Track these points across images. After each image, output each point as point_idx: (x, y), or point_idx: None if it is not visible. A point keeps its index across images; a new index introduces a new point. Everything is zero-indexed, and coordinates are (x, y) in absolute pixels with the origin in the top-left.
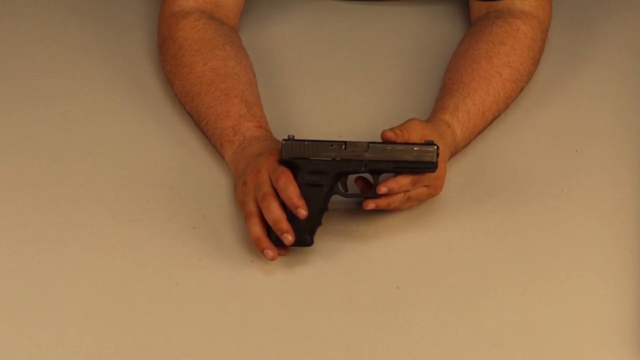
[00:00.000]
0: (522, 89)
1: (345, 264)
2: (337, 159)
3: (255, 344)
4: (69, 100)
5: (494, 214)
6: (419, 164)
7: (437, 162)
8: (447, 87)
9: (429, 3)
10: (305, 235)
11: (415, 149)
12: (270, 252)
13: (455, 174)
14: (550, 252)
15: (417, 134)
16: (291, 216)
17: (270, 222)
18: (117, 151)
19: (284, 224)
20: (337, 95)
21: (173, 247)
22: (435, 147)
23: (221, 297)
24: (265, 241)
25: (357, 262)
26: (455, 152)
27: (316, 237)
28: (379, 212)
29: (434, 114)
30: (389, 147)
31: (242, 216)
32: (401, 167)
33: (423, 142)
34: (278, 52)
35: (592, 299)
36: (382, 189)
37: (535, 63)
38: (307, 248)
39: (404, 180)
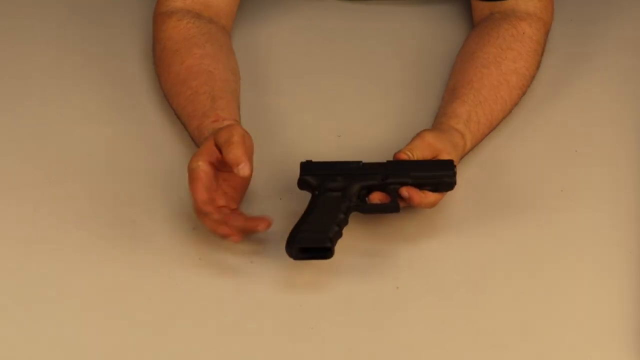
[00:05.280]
0: (524, 94)
1: (345, 264)
2: (355, 173)
3: (255, 344)
4: (69, 100)
5: (493, 214)
6: (437, 177)
7: (455, 179)
8: (457, 91)
9: (429, 3)
10: (326, 240)
11: (432, 164)
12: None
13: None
14: (550, 252)
15: (429, 151)
16: (310, 220)
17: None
18: (117, 151)
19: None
20: (336, 95)
21: (173, 247)
22: (452, 161)
23: (221, 297)
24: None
25: (357, 262)
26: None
27: None
28: (377, 215)
29: (447, 119)
30: (407, 162)
31: None
32: (419, 182)
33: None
34: (277, 52)
35: (592, 299)
36: (404, 193)
37: (539, 66)
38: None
39: (428, 200)
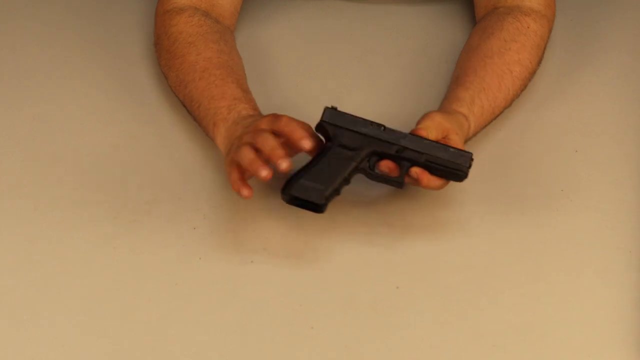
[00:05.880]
0: (525, 87)
1: (346, 264)
2: (373, 136)
3: (255, 344)
4: (69, 100)
5: (494, 214)
6: (451, 164)
7: (468, 171)
8: (460, 79)
9: (429, 2)
10: (321, 196)
11: (451, 150)
12: (265, 171)
13: None
14: (550, 253)
15: (439, 131)
16: (313, 171)
17: (266, 151)
18: (117, 151)
19: (280, 151)
20: (336, 95)
21: (173, 247)
22: (470, 154)
23: (221, 297)
24: (258, 163)
25: (357, 262)
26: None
27: (316, 236)
28: (378, 212)
29: (450, 104)
30: (426, 141)
31: (241, 216)
32: (433, 162)
33: (458, 147)
34: (277, 51)
35: (592, 300)
36: (413, 174)
37: (540, 62)
38: (307, 247)
39: (434, 183)
